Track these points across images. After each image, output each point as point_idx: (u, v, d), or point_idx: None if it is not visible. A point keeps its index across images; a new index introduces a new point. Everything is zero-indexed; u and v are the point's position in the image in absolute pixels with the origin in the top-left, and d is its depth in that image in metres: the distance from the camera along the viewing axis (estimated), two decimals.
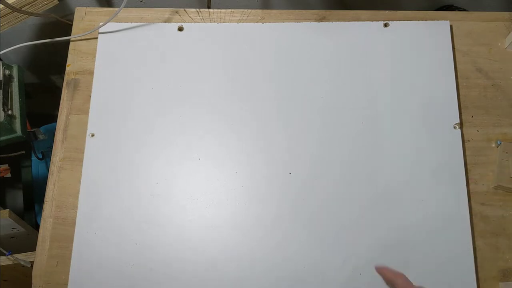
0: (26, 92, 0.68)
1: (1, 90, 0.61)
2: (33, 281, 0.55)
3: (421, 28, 0.64)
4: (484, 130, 0.61)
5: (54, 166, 0.60)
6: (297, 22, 0.66)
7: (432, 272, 0.53)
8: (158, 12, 0.67)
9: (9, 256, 0.68)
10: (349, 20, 0.66)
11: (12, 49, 0.65)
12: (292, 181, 0.57)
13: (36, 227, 0.85)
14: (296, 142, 0.59)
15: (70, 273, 0.54)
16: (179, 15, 0.67)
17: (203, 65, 0.63)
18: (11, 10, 0.63)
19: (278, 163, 0.58)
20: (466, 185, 0.57)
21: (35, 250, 0.56)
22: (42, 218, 0.57)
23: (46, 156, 0.95)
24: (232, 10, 0.67)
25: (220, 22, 0.66)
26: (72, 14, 0.68)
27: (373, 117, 0.60)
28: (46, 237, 0.56)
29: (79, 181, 0.58)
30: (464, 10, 0.85)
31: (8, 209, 0.70)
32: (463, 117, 0.61)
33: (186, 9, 0.67)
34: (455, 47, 0.65)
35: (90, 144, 0.59)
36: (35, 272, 0.55)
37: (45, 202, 0.58)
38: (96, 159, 0.59)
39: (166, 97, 0.61)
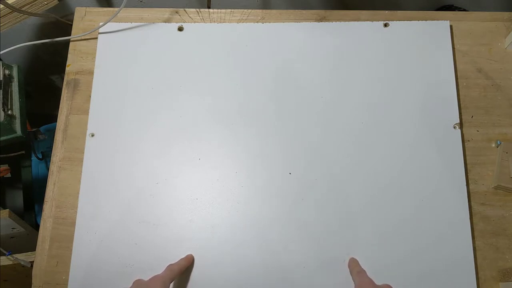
0: (26, 92, 0.68)
1: (1, 90, 0.61)
2: (33, 281, 0.55)
3: (421, 28, 0.64)
4: (484, 130, 0.61)
5: (54, 166, 0.60)
6: (297, 22, 0.66)
7: (432, 272, 0.53)
8: (158, 12, 0.67)
9: (9, 256, 0.68)
10: (349, 20, 0.65)
11: (12, 49, 0.65)
12: (292, 181, 0.57)
13: (36, 227, 0.85)
14: (296, 142, 0.59)
15: (70, 273, 0.54)
16: (179, 15, 0.67)
17: (203, 65, 0.63)
18: (11, 10, 0.63)
19: (278, 163, 0.58)
20: (466, 185, 0.57)
21: (35, 250, 0.56)
22: (42, 218, 0.57)
23: (46, 156, 0.95)
24: (232, 10, 0.67)
25: (220, 22, 0.66)
26: (72, 14, 0.68)
27: (373, 117, 0.60)
28: (46, 237, 0.56)
29: (79, 181, 0.58)
30: (464, 10, 0.85)
31: (8, 209, 0.70)
32: (463, 117, 0.61)
33: (186, 9, 0.67)
34: (455, 47, 0.65)
35: (90, 144, 0.59)
36: (35, 272, 0.55)
37: (45, 202, 0.58)
38: (96, 159, 0.59)
39: (166, 97, 0.61)
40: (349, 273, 0.53)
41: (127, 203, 0.57)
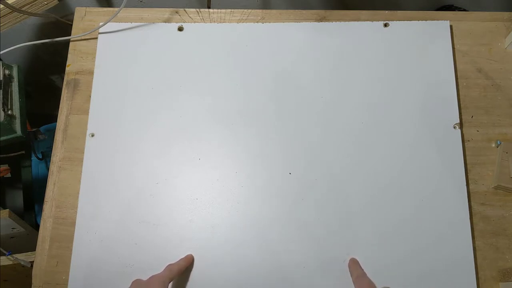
0: (26, 92, 0.68)
1: (1, 90, 0.61)
2: (33, 281, 0.55)
3: (421, 28, 0.64)
4: (484, 130, 0.61)
5: (54, 166, 0.60)
6: (297, 22, 0.66)
7: (432, 272, 0.53)
8: (158, 12, 0.67)
9: (9, 256, 0.68)
10: (349, 20, 0.65)
11: (12, 49, 0.65)
12: (292, 181, 0.57)
13: (36, 227, 0.85)
14: (296, 142, 0.59)
15: (70, 273, 0.54)
16: (179, 15, 0.67)
17: (203, 65, 0.63)
18: (11, 10, 0.63)
19: (278, 163, 0.58)
20: (466, 185, 0.57)
21: (35, 250, 0.56)
22: (42, 218, 0.57)
23: (46, 156, 0.95)
24: (232, 10, 0.67)
25: (220, 22, 0.66)
26: (72, 14, 0.68)
27: (373, 117, 0.60)
28: (46, 237, 0.56)
29: (79, 181, 0.58)
30: (464, 10, 0.85)
31: (8, 209, 0.70)
32: (463, 117, 0.61)
33: (186, 9, 0.67)
34: (455, 47, 0.65)
35: (90, 144, 0.59)
36: (35, 272, 0.55)
37: (45, 202, 0.58)
38: (96, 159, 0.59)
39: (166, 97, 0.61)
40: (349, 273, 0.53)
41: (127, 203, 0.57)
